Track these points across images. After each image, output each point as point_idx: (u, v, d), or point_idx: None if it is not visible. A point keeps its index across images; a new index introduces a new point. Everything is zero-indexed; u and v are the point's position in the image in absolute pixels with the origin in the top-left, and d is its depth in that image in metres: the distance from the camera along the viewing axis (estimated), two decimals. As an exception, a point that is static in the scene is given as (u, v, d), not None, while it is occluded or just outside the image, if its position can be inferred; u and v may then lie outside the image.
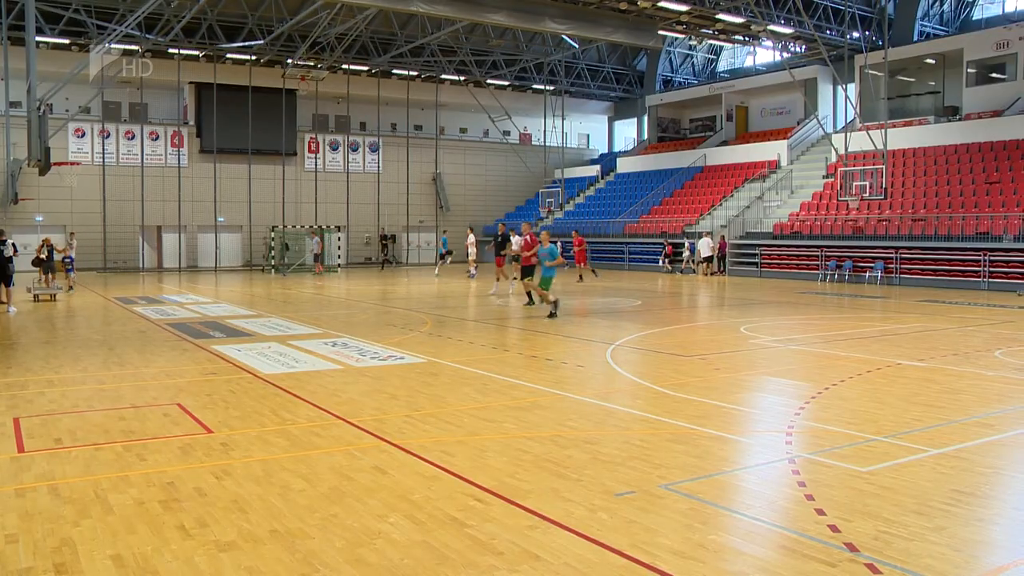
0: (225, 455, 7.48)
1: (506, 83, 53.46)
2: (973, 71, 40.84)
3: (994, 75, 40.50)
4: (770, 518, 5.96)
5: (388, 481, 6.67)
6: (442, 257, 41.73)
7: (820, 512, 5.91)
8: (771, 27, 39.47)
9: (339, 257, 47.93)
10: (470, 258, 37.73)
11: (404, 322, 18.63)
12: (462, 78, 51.79)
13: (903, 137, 39.38)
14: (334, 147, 51.49)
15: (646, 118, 57.91)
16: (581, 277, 34.08)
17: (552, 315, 19.29)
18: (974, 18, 44.44)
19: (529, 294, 21.91)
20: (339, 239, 48.06)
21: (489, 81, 52.54)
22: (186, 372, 12.02)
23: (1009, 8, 43.17)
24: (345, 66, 47.93)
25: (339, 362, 12.76)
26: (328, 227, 47.21)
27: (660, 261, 42.82)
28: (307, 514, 5.92)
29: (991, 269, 29.42)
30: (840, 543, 5.34)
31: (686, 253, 41.22)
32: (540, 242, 20.15)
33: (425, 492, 6.38)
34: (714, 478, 6.78)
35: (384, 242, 50.84)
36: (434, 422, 8.72)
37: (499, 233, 31.37)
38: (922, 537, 5.47)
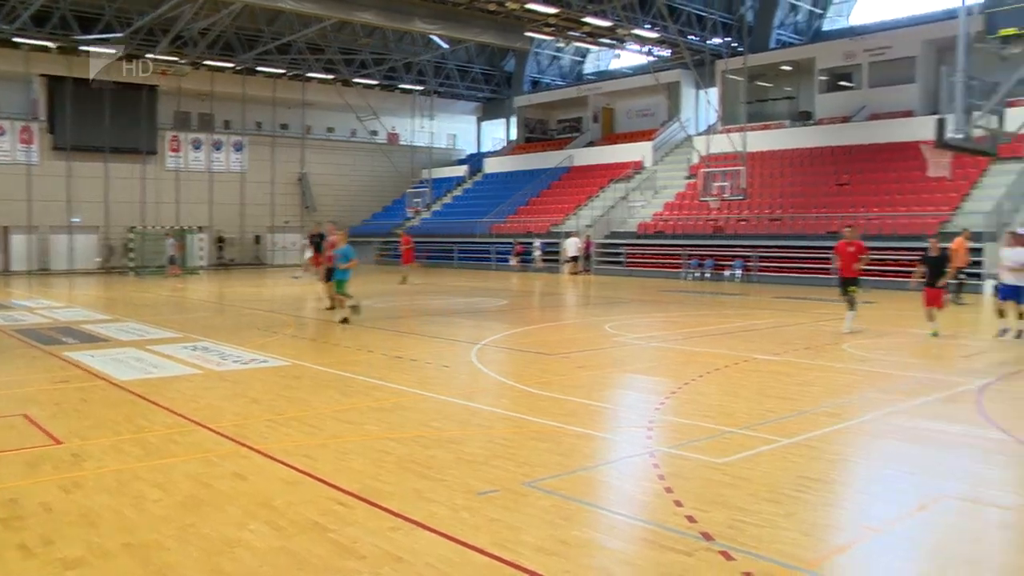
0: (75, 467, 7.15)
1: (374, 82, 52.97)
2: (825, 79, 42.71)
3: (843, 83, 42.46)
4: (631, 512, 6.09)
5: (248, 487, 6.51)
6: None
7: (678, 504, 6.06)
8: (637, 31, 40.32)
9: (201, 259, 46.60)
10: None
11: (267, 324, 18.25)
12: (330, 77, 51.06)
13: (761, 140, 40.83)
14: (196, 146, 50.00)
15: (514, 119, 58.37)
16: (405, 279, 32.58)
17: (345, 321, 18.01)
18: (824, 29, 46.46)
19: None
20: (200, 240, 46.74)
21: (357, 80, 51.94)
22: (34, 380, 11.45)
23: (854, 22, 45.36)
24: (209, 62, 46.53)
25: (199, 367, 12.40)
26: (189, 228, 45.86)
27: (510, 260, 43.22)
28: (162, 525, 5.71)
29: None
30: (697, 532, 5.49)
31: (536, 252, 41.76)
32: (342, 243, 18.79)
33: (286, 497, 6.26)
34: (577, 474, 6.88)
35: (220, 244, 49.29)
36: (296, 426, 8.57)
37: (314, 232, 29.34)
38: (773, 523, 5.68)
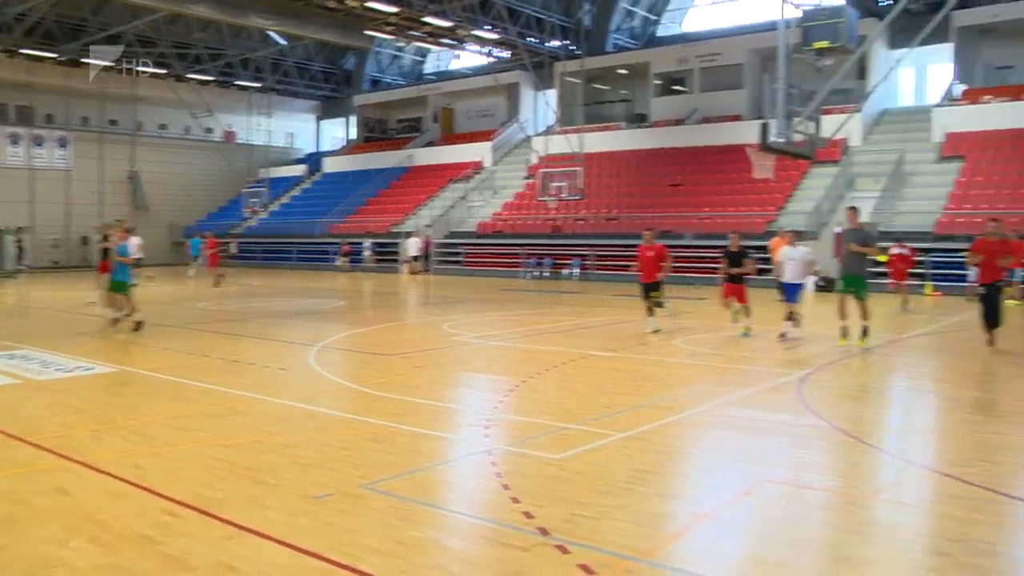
0: None
1: (210, 78, 51.28)
2: (659, 83, 44.12)
3: (676, 87, 43.96)
4: (469, 510, 6.12)
5: (71, 503, 6.17)
6: (196, 259, 38.88)
7: (516, 500, 6.12)
8: (477, 32, 40.60)
9: (21, 261, 43.97)
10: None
11: (95, 329, 17.40)
12: (162, 71, 49.05)
13: (598, 141, 41.75)
14: (14, 141, 47.17)
15: (354, 118, 57.74)
16: (218, 281, 30.58)
17: (116, 321, 16.85)
18: (659, 35, 47.96)
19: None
20: (19, 241, 44.08)
21: (191, 76, 50.15)
22: None
23: (686, 28, 47.06)
24: (27, 51, 43.84)
25: (17, 376, 11.67)
26: (6, 228, 43.19)
27: (337, 260, 42.80)
28: (-30, 546, 5.35)
29: (675, 265, 31.79)
30: (534, 528, 5.56)
31: (366, 253, 41.53)
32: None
33: (113, 511, 5.96)
34: (414, 475, 6.85)
35: (20, 243, 46.28)
36: (124, 435, 8.19)
37: (103, 234, 26.91)
38: (607, 515, 5.81)
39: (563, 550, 5.18)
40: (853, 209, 14.82)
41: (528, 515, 5.80)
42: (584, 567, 4.93)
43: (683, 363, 12.87)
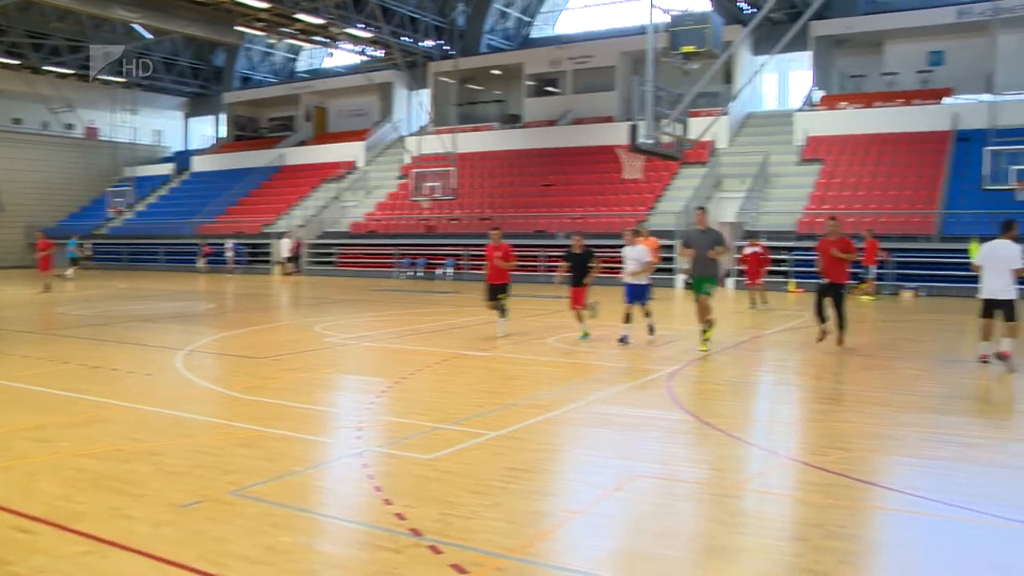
0: None
1: (69, 71, 49.07)
2: (532, 84, 44.54)
3: (549, 89, 44.46)
4: (340, 514, 6.06)
5: (-89, 520, 5.82)
6: (74, 262, 36.98)
7: (388, 502, 6.09)
8: (350, 31, 40.16)
9: None
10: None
11: (-57, 335, 16.48)
12: (15, 62, 46.77)
13: (472, 141, 41.88)
14: None
15: (223, 116, 56.33)
16: (48, 287, 28.49)
17: None
18: (532, 36, 48.41)
19: None
20: None
21: (48, 68, 47.95)
22: None
23: (559, 30, 47.64)
24: None
25: None
26: None
27: (197, 262, 41.81)
28: None
29: (548, 264, 32.22)
30: (406, 529, 5.54)
31: (228, 254, 40.72)
32: None
33: (-45, 530, 5.65)
34: (285, 479, 6.73)
35: None
36: (-26, 446, 7.79)
37: None
38: (480, 515, 5.84)
39: (436, 550, 5.19)
40: (702, 209, 14.51)
41: (400, 516, 5.78)
42: (456, 567, 4.95)
43: (556, 361, 13.04)
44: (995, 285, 12.12)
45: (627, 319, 14.96)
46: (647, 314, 15.19)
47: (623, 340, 14.63)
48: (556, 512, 6.13)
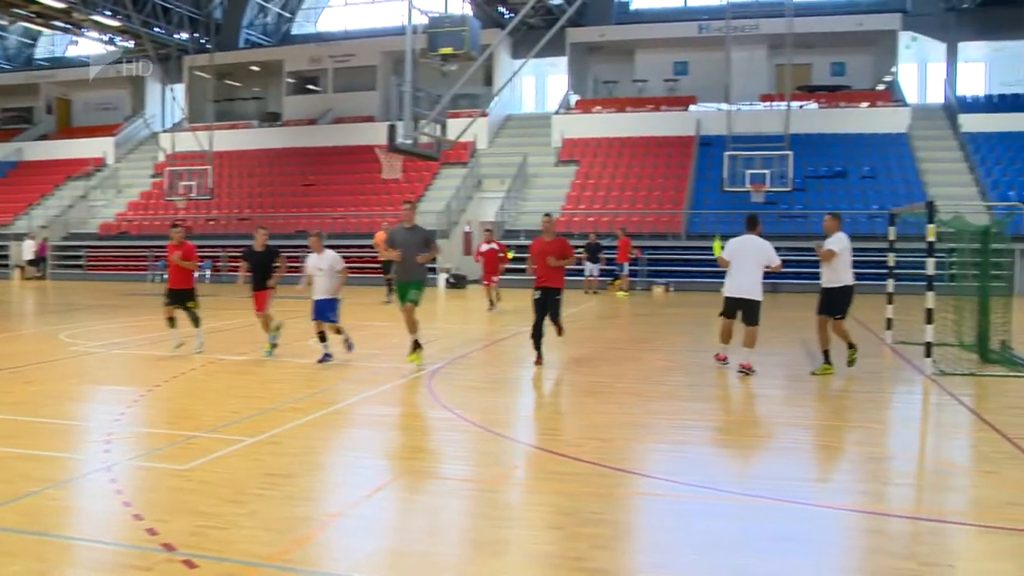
0: None
1: None
2: (292, 81, 43.69)
3: (310, 87, 43.75)
4: (86, 534, 5.69)
5: None
6: None
7: (138, 517, 5.78)
8: (96, 17, 37.67)
9: None
10: None
11: None
12: None
13: (230, 139, 40.56)
14: None
15: (-54, 105, 51.59)
16: None
17: None
18: (293, 32, 47.41)
19: None
20: None
21: None
22: None
23: (321, 28, 46.95)
24: None
25: None
26: None
27: None
28: None
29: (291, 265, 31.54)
30: (158, 545, 5.29)
31: None
32: None
33: None
34: (22, 502, 6.22)
35: None
36: None
37: None
38: (237, 524, 5.67)
39: (190, 564, 4.99)
40: (410, 205, 12.91)
41: (152, 531, 5.51)
42: (211, 580, 4.80)
43: (316, 363, 12.84)
44: (744, 283, 11.66)
45: (321, 337, 12.81)
46: (338, 331, 12.90)
47: (324, 359, 12.64)
48: (316, 516, 6.04)
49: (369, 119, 40.08)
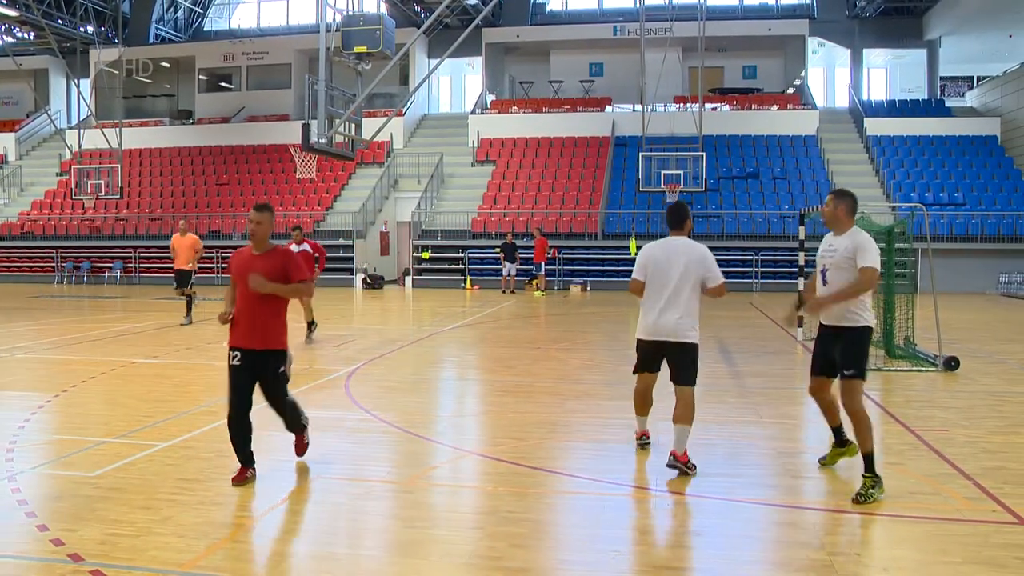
0: None
1: None
2: (205, 78, 42.84)
3: (223, 84, 42.96)
4: (-16, 547, 5.50)
5: None
6: None
7: (43, 528, 5.60)
8: (-8, 7, 36.26)
9: None
10: None
11: None
12: None
13: (139, 137, 39.65)
14: None
15: None
16: None
17: None
18: (205, 28, 46.47)
19: None
20: None
21: None
22: None
23: (234, 24, 46.11)
24: None
25: None
26: None
27: None
28: None
29: (208, 265, 31.07)
30: (64, 556, 5.13)
31: None
32: None
33: None
34: (-82, 511, 6.02)
35: None
36: None
37: None
38: (149, 531, 5.53)
39: (99, 575, 4.87)
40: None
41: (58, 542, 5.34)
42: (121, 589, 4.68)
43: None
44: (669, 316, 7.26)
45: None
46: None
47: None
48: (231, 522, 5.94)
49: (284, 118, 39.54)
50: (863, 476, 6.27)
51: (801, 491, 6.84)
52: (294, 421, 7.08)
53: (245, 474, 6.67)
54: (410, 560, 5.24)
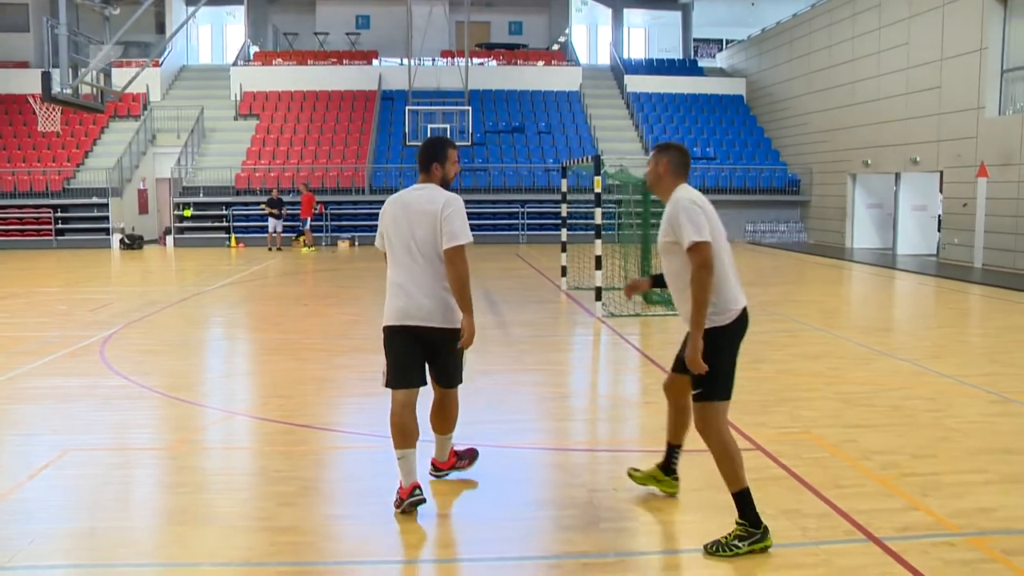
0: None
1: None
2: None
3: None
4: None
5: None
6: None
7: None
8: None
9: None
10: None
11: None
12: None
13: None
14: None
15: None
16: None
17: None
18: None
19: None
20: None
21: None
22: None
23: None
24: None
25: None
26: None
27: None
28: None
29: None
30: None
31: None
32: None
33: None
34: None
35: None
36: None
37: None
38: None
39: None
40: None
41: None
42: None
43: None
44: (414, 295, 5.65)
45: None
46: None
47: None
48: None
49: (23, 64, 36.41)
50: (736, 522, 4.65)
51: (568, 433, 7.16)
52: None
53: None
54: (175, 527, 5.08)
